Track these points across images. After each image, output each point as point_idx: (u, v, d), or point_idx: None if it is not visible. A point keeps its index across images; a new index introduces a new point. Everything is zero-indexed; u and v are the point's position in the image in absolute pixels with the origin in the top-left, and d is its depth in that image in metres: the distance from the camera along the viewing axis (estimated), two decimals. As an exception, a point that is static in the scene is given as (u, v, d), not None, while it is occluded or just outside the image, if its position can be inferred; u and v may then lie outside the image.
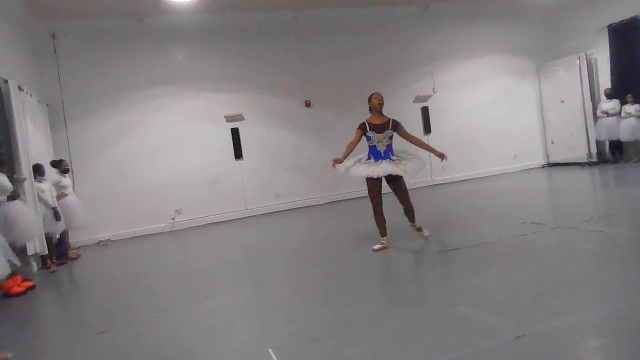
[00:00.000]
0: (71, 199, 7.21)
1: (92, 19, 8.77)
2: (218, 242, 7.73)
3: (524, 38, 11.78)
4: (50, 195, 6.59)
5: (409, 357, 2.65)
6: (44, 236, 6.29)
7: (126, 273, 6.24)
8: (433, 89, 10.97)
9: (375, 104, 5.20)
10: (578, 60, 10.83)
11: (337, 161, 5.07)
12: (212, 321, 3.72)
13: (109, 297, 4.98)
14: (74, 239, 7.99)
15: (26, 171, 6.20)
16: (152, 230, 9.10)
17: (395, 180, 5.15)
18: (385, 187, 5.20)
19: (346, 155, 5.11)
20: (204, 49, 9.61)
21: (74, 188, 7.67)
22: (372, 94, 5.26)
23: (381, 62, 10.57)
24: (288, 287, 4.48)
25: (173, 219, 9.27)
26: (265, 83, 9.90)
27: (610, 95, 10.42)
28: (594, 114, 10.70)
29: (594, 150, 10.79)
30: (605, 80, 10.71)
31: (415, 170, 5.20)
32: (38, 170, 6.51)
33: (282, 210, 9.85)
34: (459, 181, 10.97)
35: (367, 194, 5.24)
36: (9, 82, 6.22)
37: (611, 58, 10.49)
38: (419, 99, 10.72)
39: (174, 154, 9.30)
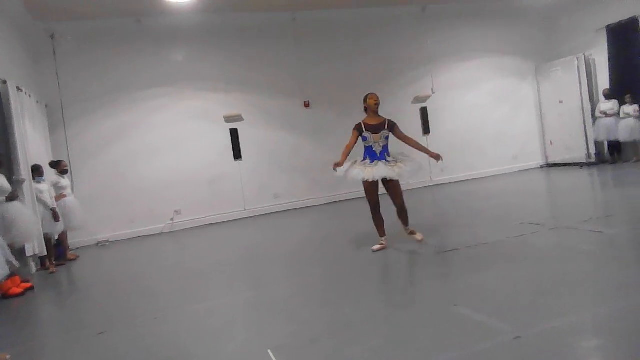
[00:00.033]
0: (70, 199, 7.21)
1: (90, 20, 8.77)
2: (217, 243, 7.73)
3: (523, 39, 11.79)
4: (49, 196, 6.58)
5: (408, 357, 2.65)
6: (42, 237, 6.28)
7: (125, 274, 6.24)
8: (432, 90, 10.98)
9: (371, 105, 5.18)
10: (577, 61, 10.84)
11: (338, 165, 5.05)
12: (211, 322, 3.72)
13: (108, 298, 4.97)
14: (72, 240, 7.97)
15: (25, 172, 6.19)
16: (151, 231, 9.09)
17: (390, 181, 5.14)
18: (383, 188, 5.19)
19: (345, 157, 5.10)
20: (203, 49, 9.61)
21: (72, 189, 7.65)
22: (368, 94, 5.24)
23: (380, 63, 10.58)
24: (287, 288, 4.47)
25: (172, 219, 9.26)
26: (264, 84, 9.90)
27: (608, 95, 10.43)
28: (593, 115, 10.71)
29: (592, 150, 10.81)
30: (603, 81, 10.73)
31: (411, 174, 5.17)
32: (37, 171, 6.50)
33: (281, 211, 9.85)
34: (457, 182, 10.98)
35: (365, 195, 5.24)
36: (8, 82, 6.22)
37: (610, 59, 10.49)
38: (417, 100, 10.73)
39: (173, 154, 9.30)
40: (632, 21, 9.98)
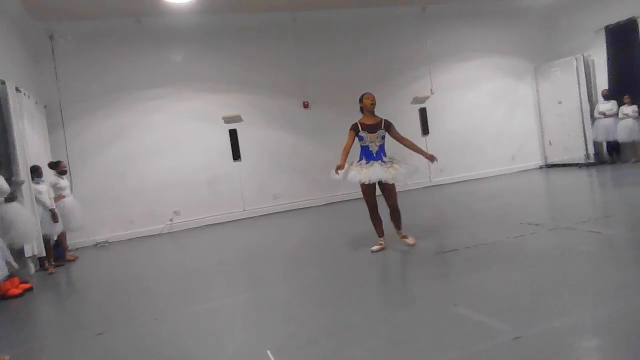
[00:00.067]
0: (69, 200, 7.20)
1: (90, 20, 8.76)
2: (216, 244, 7.73)
3: (522, 39, 11.81)
4: (47, 196, 6.58)
5: (407, 358, 2.65)
6: (41, 238, 6.28)
7: (124, 274, 6.23)
8: (431, 90, 10.98)
9: (368, 104, 5.17)
10: (575, 62, 10.86)
11: (341, 168, 5.03)
12: (211, 322, 3.72)
13: (107, 299, 4.97)
14: (71, 241, 7.96)
15: (24, 173, 6.19)
16: (150, 232, 9.08)
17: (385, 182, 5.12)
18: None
19: (345, 159, 5.08)
20: (202, 50, 9.61)
21: (71, 189, 7.65)
22: (364, 94, 5.22)
23: (379, 63, 10.58)
24: (286, 289, 4.47)
25: (171, 220, 9.26)
26: (263, 84, 9.90)
27: (607, 96, 10.44)
28: (592, 115, 10.72)
29: (591, 151, 10.82)
30: (602, 82, 10.74)
31: (405, 176, 5.15)
32: (36, 172, 6.49)
33: (280, 212, 9.85)
34: (456, 182, 10.99)
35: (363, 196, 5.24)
36: (7, 83, 6.21)
37: (608, 59, 10.51)
38: (416, 100, 10.73)
39: (172, 155, 9.29)
40: (631, 22, 10.00)
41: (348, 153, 5.10)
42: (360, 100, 5.23)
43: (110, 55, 9.00)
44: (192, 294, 4.66)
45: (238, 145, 9.75)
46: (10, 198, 5.32)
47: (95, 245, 8.64)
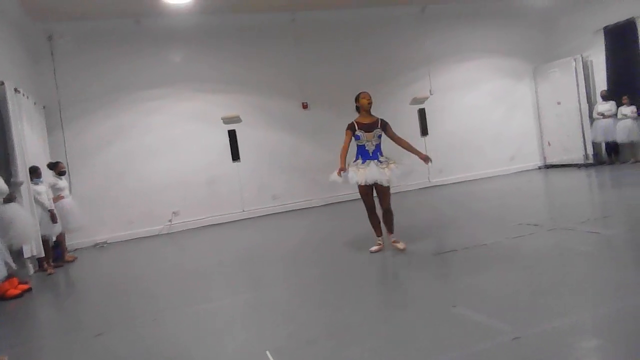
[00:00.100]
0: (68, 201, 7.20)
1: (89, 21, 8.76)
2: (215, 244, 7.72)
3: (521, 40, 11.82)
4: (46, 197, 6.57)
5: (407, 358, 2.65)
6: (40, 238, 6.27)
7: (123, 275, 6.23)
8: (430, 91, 10.99)
9: (364, 104, 5.15)
10: (574, 62, 10.87)
11: (343, 170, 5.02)
12: (210, 323, 3.72)
13: (106, 300, 4.96)
14: (70, 241, 7.95)
15: (23, 173, 6.18)
16: (149, 233, 9.08)
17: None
18: None
19: (344, 160, 5.07)
20: (202, 50, 9.61)
21: (70, 190, 7.65)
22: (360, 94, 5.21)
23: (378, 64, 10.59)
24: (285, 289, 4.47)
25: (170, 221, 9.25)
26: (262, 85, 9.90)
27: (606, 97, 10.46)
28: (590, 116, 10.74)
29: (590, 151, 10.83)
30: (601, 82, 10.76)
31: (400, 178, 5.13)
32: (34, 173, 6.48)
33: (279, 212, 9.84)
34: (455, 183, 10.99)
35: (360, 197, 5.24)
36: (5, 84, 6.20)
37: (607, 60, 10.52)
38: (415, 101, 10.73)
39: (171, 155, 9.29)
40: (630, 22, 10.02)
41: (347, 153, 5.10)
42: (357, 100, 5.22)
43: (110, 56, 8.99)
44: (191, 294, 4.66)
45: (237, 145, 9.75)
46: (9, 199, 5.31)
47: (95, 245, 8.63)
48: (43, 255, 6.39)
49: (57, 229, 6.70)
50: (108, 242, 8.76)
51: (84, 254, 7.92)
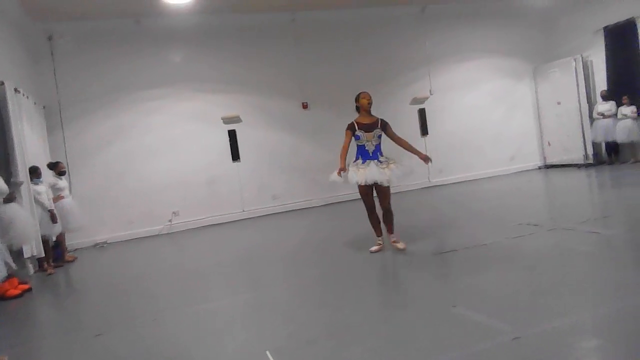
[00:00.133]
0: (68, 201, 7.20)
1: (88, 21, 8.75)
2: (215, 244, 7.72)
3: (521, 40, 11.81)
4: (46, 197, 6.57)
5: (407, 358, 2.65)
6: (40, 238, 6.26)
7: (123, 275, 6.22)
8: (430, 91, 10.99)
9: (364, 104, 5.14)
10: (574, 62, 10.87)
11: (343, 170, 5.01)
12: (210, 323, 3.72)
13: (106, 300, 4.96)
14: (70, 241, 7.95)
15: (23, 174, 6.18)
16: (149, 233, 9.07)
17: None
18: None
19: (344, 160, 5.07)
20: (201, 50, 9.61)
21: (70, 190, 7.65)
22: (360, 93, 5.20)
23: (378, 64, 10.59)
24: (285, 289, 4.47)
25: (170, 221, 9.25)
26: (262, 85, 9.90)
27: (606, 97, 10.46)
28: (590, 116, 10.74)
29: (590, 151, 10.83)
30: (601, 82, 10.76)
31: (400, 178, 5.13)
32: (34, 173, 6.48)
33: (279, 212, 9.84)
34: (455, 183, 10.98)
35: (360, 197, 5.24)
36: (5, 84, 6.20)
37: (607, 60, 10.52)
38: (415, 101, 10.73)
39: (171, 155, 9.28)
40: (630, 22, 10.01)
41: (347, 153, 5.10)
42: (356, 100, 5.22)
43: (110, 56, 8.99)
44: (191, 294, 4.66)
45: (237, 145, 9.74)
46: (9, 199, 5.31)
47: (94, 245, 8.63)
48: (43, 255, 6.39)
49: (57, 229, 6.69)
50: (108, 242, 8.76)
51: (84, 254, 7.92)
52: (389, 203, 5.12)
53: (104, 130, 8.94)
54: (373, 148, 5.12)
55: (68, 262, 7.16)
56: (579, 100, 10.86)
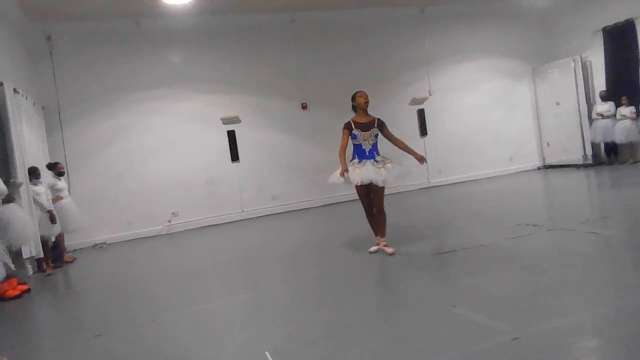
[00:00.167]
0: (67, 201, 7.19)
1: (88, 21, 8.75)
2: (215, 245, 7.72)
3: (520, 40, 11.83)
4: (45, 198, 6.56)
5: (406, 358, 2.65)
6: (39, 239, 6.26)
7: (122, 276, 6.22)
8: (429, 92, 11.00)
9: (361, 103, 5.13)
10: (573, 63, 10.89)
11: (345, 170, 5.00)
12: (209, 323, 3.72)
13: (105, 300, 4.96)
14: (69, 242, 7.95)
15: (22, 174, 6.17)
16: (149, 233, 9.07)
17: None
18: None
19: (344, 160, 5.06)
20: (201, 51, 9.61)
21: (69, 191, 7.65)
22: (356, 92, 5.19)
23: (378, 64, 10.59)
24: (284, 290, 4.47)
25: (169, 221, 9.24)
26: (262, 85, 9.90)
27: (605, 97, 10.47)
28: (589, 116, 10.76)
29: (589, 152, 10.85)
30: (600, 83, 10.78)
31: (396, 179, 5.12)
32: (33, 173, 6.47)
33: (278, 213, 9.84)
34: (454, 183, 10.98)
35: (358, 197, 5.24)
36: (4, 84, 6.20)
37: (606, 60, 10.54)
38: (414, 102, 10.74)
39: (170, 156, 9.28)
40: (629, 23, 10.03)
41: (345, 152, 5.09)
42: (353, 99, 5.20)
43: (109, 56, 8.98)
44: (191, 294, 4.66)
45: (236, 146, 9.75)
46: (8, 199, 5.30)
47: (94, 246, 8.62)
48: (42, 255, 6.39)
49: (56, 229, 6.69)
50: (107, 242, 8.75)
51: (83, 255, 7.91)
52: (382, 204, 5.09)
53: (103, 131, 8.93)
54: (370, 147, 5.10)
55: (67, 262, 7.15)
56: (578, 101, 10.87)
